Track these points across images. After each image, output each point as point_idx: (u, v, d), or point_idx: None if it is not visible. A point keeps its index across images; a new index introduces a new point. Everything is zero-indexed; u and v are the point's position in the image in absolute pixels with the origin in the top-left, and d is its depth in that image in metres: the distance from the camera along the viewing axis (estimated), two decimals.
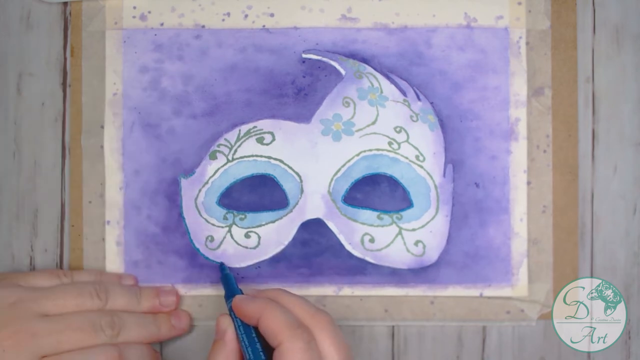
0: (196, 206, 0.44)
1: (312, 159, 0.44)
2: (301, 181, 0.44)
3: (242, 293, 0.40)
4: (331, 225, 0.44)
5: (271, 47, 0.45)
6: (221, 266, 0.43)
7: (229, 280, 0.41)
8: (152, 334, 0.41)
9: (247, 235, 0.44)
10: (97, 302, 0.40)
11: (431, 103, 0.44)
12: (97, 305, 0.40)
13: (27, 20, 0.45)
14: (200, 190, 0.44)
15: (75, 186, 0.44)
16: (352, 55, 0.45)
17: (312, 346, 0.34)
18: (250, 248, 0.44)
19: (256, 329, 0.36)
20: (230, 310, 0.38)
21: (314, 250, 0.44)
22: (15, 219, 0.45)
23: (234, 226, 0.44)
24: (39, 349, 0.36)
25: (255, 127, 0.44)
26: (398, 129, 0.44)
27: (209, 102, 0.44)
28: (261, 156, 0.44)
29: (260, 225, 0.44)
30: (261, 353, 0.35)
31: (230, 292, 0.40)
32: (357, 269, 0.44)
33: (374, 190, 0.44)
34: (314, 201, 0.44)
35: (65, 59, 0.45)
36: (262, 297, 0.37)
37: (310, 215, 0.44)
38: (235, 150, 0.44)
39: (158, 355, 0.41)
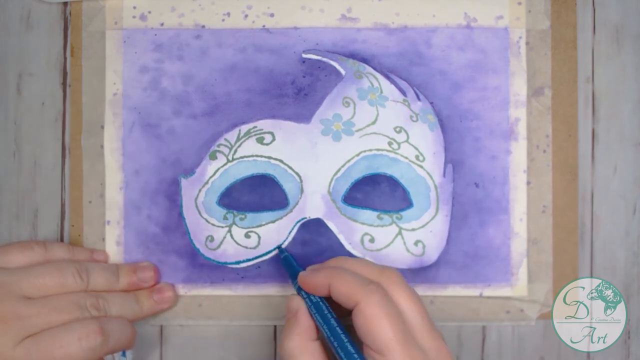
0: (196, 206, 0.44)
1: (312, 159, 0.44)
2: (301, 181, 0.44)
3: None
4: (331, 225, 0.44)
5: (271, 47, 0.45)
6: (280, 249, 0.43)
7: (290, 261, 0.41)
8: (135, 312, 0.42)
9: (247, 235, 0.44)
10: (79, 282, 0.40)
11: (431, 103, 0.44)
12: (79, 286, 0.40)
13: (27, 20, 0.45)
14: (200, 190, 0.44)
15: (75, 186, 0.44)
16: (352, 55, 0.45)
17: (388, 299, 0.34)
18: (251, 248, 0.44)
19: (327, 302, 0.36)
20: (299, 289, 0.38)
21: (314, 250, 0.44)
22: (15, 219, 0.45)
23: (234, 226, 0.44)
24: (24, 331, 0.36)
25: (255, 127, 0.44)
26: (398, 129, 0.44)
27: (209, 102, 0.44)
28: (261, 156, 0.44)
29: (260, 225, 0.44)
30: (337, 322, 0.35)
31: (294, 271, 0.40)
32: None
33: (374, 190, 0.44)
34: (314, 201, 0.44)
35: (65, 59, 0.45)
36: (326, 267, 0.37)
37: (310, 215, 0.44)
38: (235, 150, 0.44)
39: (135, 332, 0.41)
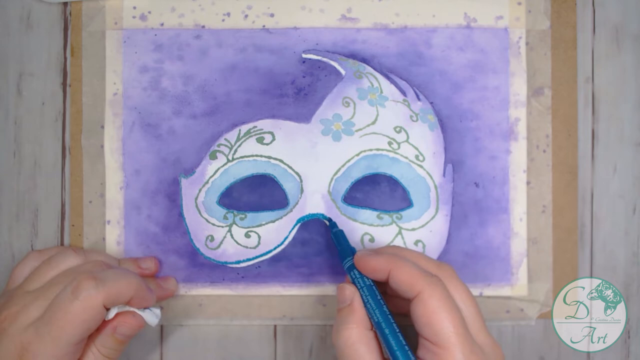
0: (196, 206, 0.44)
1: (312, 158, 0.44)
2: (301, 181, 0.44)
3: (355, 250, 0.39)
4: None
5: (271, 47, 0.45)
6: (331, 222, 0.43)
7: (342, 237, 0.41)
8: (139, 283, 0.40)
9: (247, 235, 0.44)
10: (74, 257, 0.40)
11: (431, 103, 0.44)
12: (76, 260, 0.40)
13: (27, 20, 0.45)
14: (200, 190, 0.44)
15: (76, 186, 0.44)
16: (352, 55, 0.45)
17: (449, 293, 0.34)
18: (251, 248, 0.44)
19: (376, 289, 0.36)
20: (349, 268, 0.38)
21: (314, 250, 0.44)
22: (15, 219, 0.45)
23: (234, 226, 0.44)
24: (31, 315, 0.36)
25: (255, 127, 0.44)
26: (398, 129, 0.44)
27: (209, 102, 0.44)
28: (261, 156, 0.44)
29: (260, 225, 0.44)
30: (388, 309, 0.36)
31: (345, 249, 0.40)
32: None
33: (374, 190, 0.44)
34: (313, 201, 0.44)
35: (65, 59, 0.45)
36: (385, 252, 0.37)
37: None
38: (236, 150, 0.44)
39: (149, 289, 0.39)
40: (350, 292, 0.37)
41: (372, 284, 0.37)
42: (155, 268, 0.43)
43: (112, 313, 0.37)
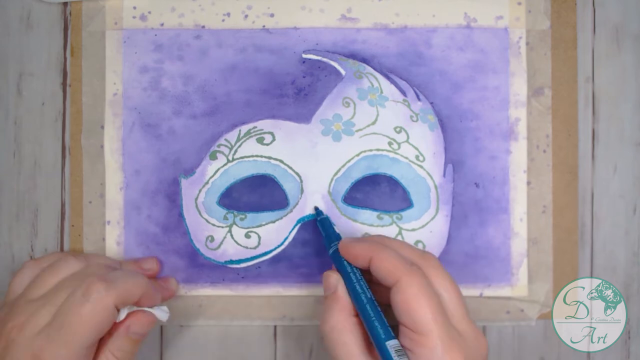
0: (196, 206, 0.44)
1: (312, 159, 0.44)
2: (301, 181, 0.44)
3: (341, 237, 0.40)
4: None
5: (271, 47, 0.45)
6: (317, 210, 0.43)
7: (328, 223, 0.41)
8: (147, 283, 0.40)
9: (247, 235, 0.44)
10: (76, 264, 0.39)
11: (431, 103, 0.44)
12: (78, 267, 0.39)
13: (27, 20, 0.45)
14: (200, 190, 0.44)
15: (76, 186, 0.44)
16: (352, 55, 0.45)
17: (428, 282, 0.35)
18: (251, 248, 0.44)
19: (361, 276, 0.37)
20: (333, 254, 0.38)
21: (314, 250, 0.44)
22: (15, 219, 0.45)
23: (234, 226, 0.44)
24: (39, 324, 0.36)
25: (255, 127, 0.44)
26: (398, 129, 0.44)
27: (209, 102, 0.44)
28: (261, 156, 0.44)
29: (260, 225, 0.44)
30: (372, 298, 0.36)
31: (331, 236, 0.40)
32: None
33: (374, 190, 0.44)
34: (314, 201, 0.44)
35: (65, 59, 0.45)
36: (369, 239, 0.38)
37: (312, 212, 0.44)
38: (236, 151, 0.44)
39: (155, 288, 0.39)
40: (334, 279, 0.37)
41: (356, 270, 0.37)
42: (157, 269, 0.44)
43: (123, 314, 0.37)
